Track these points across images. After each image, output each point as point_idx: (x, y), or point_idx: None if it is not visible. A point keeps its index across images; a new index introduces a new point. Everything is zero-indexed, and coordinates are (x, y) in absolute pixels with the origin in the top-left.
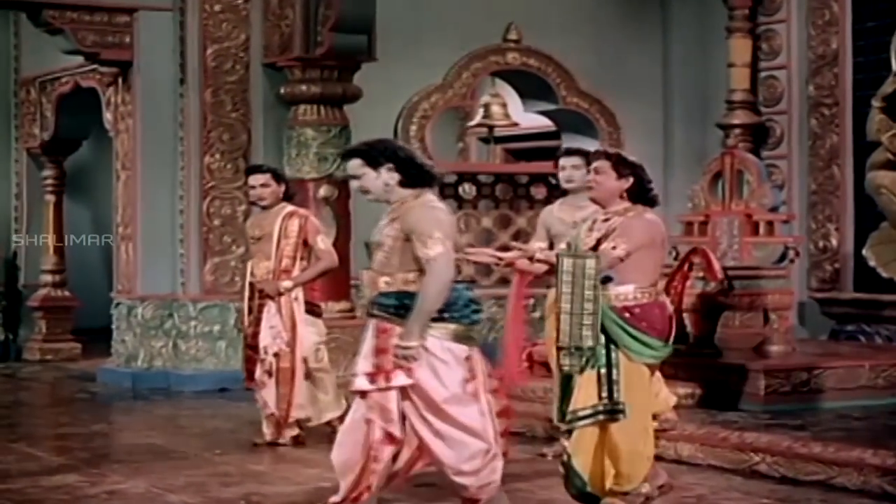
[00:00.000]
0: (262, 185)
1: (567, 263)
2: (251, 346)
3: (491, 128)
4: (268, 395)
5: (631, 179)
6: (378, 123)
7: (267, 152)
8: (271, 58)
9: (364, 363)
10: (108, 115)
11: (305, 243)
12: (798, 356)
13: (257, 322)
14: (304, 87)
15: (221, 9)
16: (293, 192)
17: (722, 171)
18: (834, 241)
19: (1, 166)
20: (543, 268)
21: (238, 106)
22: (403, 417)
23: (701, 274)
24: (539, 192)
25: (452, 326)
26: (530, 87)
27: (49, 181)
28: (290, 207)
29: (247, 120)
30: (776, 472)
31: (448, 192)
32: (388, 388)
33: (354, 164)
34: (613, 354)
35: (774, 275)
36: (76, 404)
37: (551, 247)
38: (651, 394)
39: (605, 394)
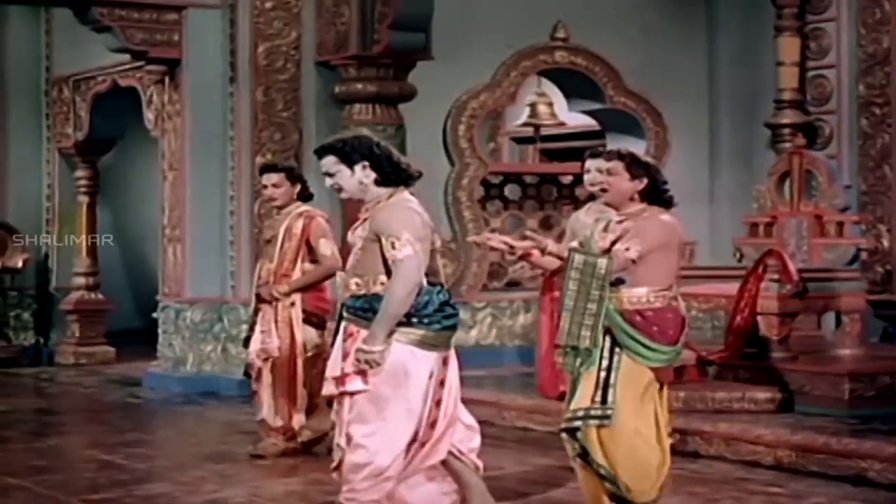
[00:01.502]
0: (274, 185)
1: (578, 260)
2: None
3: (537, 127)
4: (260, 402)
5: (645, 180)
6: (427, 123)
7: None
8: (325, 56)
9: (334, 367)
10: (149, 115)
11: (310, 246)
12: (874, 360)
13: (252, 326)
14: (359, 86)
15: (273, 6)
16: (311, 193)
17: (790, 171)
18: (885, 243)
19: (31, 167)
20: (555, 262)
21: (289, 105)
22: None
23: (776, 276)
24: (584, 192)
25: (420, 332)
26: (576, 86)
27: (82, 182)
28: (302, 208)
29: (298, 119)
30: (885, 478)
31: (494, 192)
32: (343, 394)
33: (329, 162)
34: (616, 357)
35: (847, 277)
36: (130, 410)
37: None
38: (652, 398)
39: (598, 398)
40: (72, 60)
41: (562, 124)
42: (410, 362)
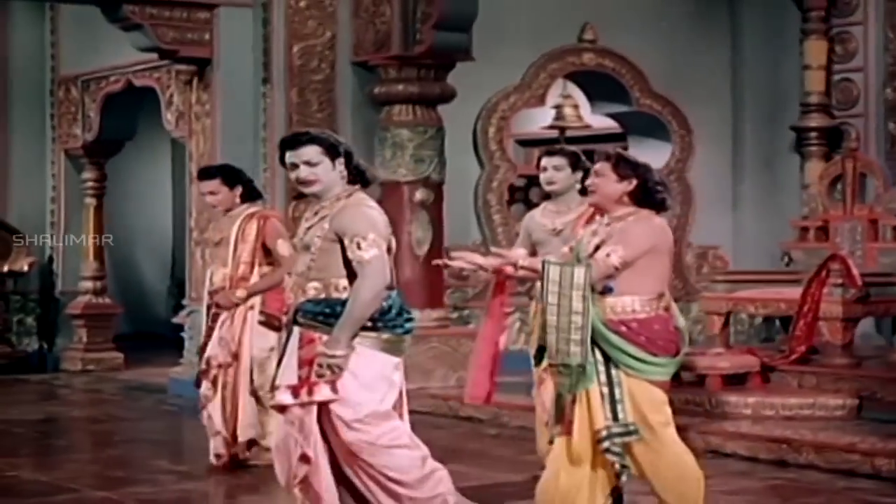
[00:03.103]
0: (210, 193)
1: (553, 272)
2: (201, 360)
3: (563, 130)
4: (213, 410)
5: (634, 182)
6: (457, 124)
7: (356, 153)
8: (362, 56)
9: (288, 375)
10: (168, 116)
11: (266, 248)
12: None
13: (209, 332)
14: (400, 87)
15: (307, 5)
16: (259, 192)
17: (843, 175)
18: None
19: (35, 168)
20: (530, 276)
21: (324, 106)
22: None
23: (839, 281)
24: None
25: (385, 336)
26: (601, 88)
27: (89, 184)
28: (252, 209)
29: (333, 120)
30: None
31: (518, 196)
32: (311, 403)
33: (313, 151)
34: (613, 372)
35: None
36: (170, 417)
37: (533, 254)
38: (667, 409)
39: (608, 414)
40: (79, 60)
41: (587, 127)
42: (378, 366)
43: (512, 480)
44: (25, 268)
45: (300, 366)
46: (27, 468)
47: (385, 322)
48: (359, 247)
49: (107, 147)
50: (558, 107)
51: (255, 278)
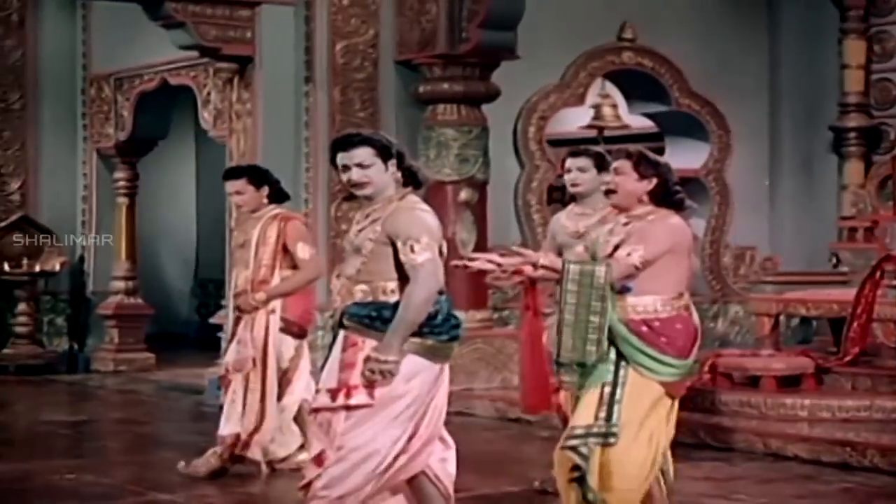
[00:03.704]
0: (237, 192)
1: (574, 271)
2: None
3: (601, 129)
4: (227, 415)
5: (654, 181)
6: (497, 124)
7: (408, 155)
8: (406, 54)
9: (329, 378)
10: (205, 114)
11: (287, 251)
12: None
13: (232, 336)
14: (445, 86)
15: (350, 3)
16: (286, 194)
17: (892, 174)
18: None
19: (66, 167)
20: (550, 276)
21: (367, 105)
22: None
23: (895, 283)
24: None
25: (429, 342)
26: (639, 88)
27: (122, 183)
28: (276, 210)
29: (376, 119)
30: None
31: (557, 196)
32: (348, 407)
33: (365, 153)
34: (622, 371)
35: None
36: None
37: (559, 256)
38: (660, 418)
39: (602, 414)
40: (112, 58)
41: (626, 127)
42: (415, 372)
43: None
44: (57, 267)
45: (341, 369)
46: (86, 470)
47: (431, 328)
48: (412, 250)
49: (139, 146)
50: (597, 106)
51: (275, 281)
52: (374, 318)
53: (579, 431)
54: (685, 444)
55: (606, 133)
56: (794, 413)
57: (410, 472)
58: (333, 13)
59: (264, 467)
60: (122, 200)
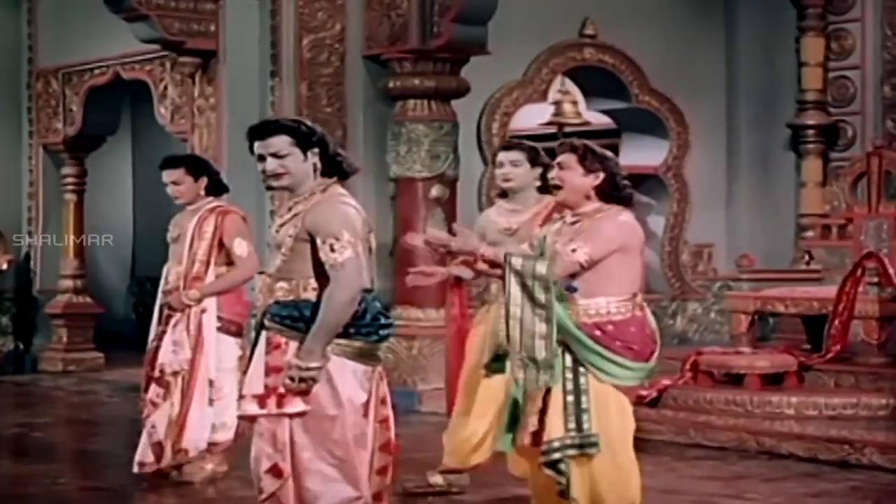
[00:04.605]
0: (174, 182)
1: (516, 263)
2: (150, 363)
3: (561, 126)
4: (159, 419)
5: (601, 175)
6: (462, 119)
7: (367, 149)
8: (375, 49)
9: (254, 383)
10: (161, 109)
11: (223, 246)
12: None
13: (161, 336)
14: (416, 81)
15: None
16: (225, 186)
17: (867, 172)
18: None
19: (11, 164)
20: (490, 272)
21: (333, 100)
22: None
23: (875, 280)
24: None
25: (357, 343)
26: (598, 84)
27: (69, 179)
28: (213, 203)
29: (342, 115)
30: None
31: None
32: (281, 415)
33: (281, 142)
34: (582, 379)
35: None
36: None
37: None
38: (631, 422)
39: (572, 425)
40: (59, 52)
41: (587, 123)
42: (346, 377)
43: None
44: (4, 266)
45: (266, 373)
46: (70, 475)
47: (357, 328)
48: (332, 248)
49: (88, 142)
50: (557, 103)
51: (210, 278)
52: (296, 318)
53: (555, 444)
54: (677, 444)
55: (566, 130)
56: (781, 411)
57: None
58: (300, 7)
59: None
60: (70, 197)
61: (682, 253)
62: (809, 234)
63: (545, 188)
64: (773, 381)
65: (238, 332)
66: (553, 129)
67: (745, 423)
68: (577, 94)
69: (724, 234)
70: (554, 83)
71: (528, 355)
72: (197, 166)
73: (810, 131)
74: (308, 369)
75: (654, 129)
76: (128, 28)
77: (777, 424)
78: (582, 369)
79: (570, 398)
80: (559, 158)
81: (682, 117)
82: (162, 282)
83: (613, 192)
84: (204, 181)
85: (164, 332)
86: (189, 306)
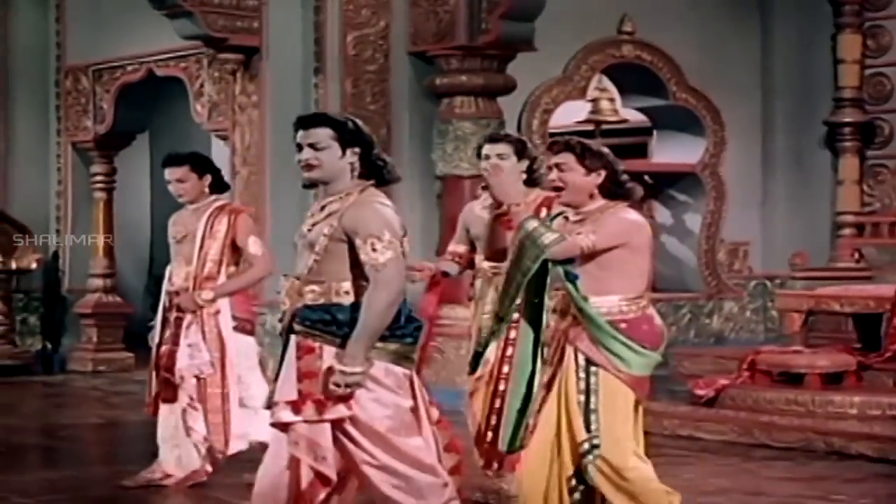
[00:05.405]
0: (178, 180)
1: (530, 225)
2: (167, 368)
3: (598, 123)
4: (194, 421)
5: (602, 173)
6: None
7: (412, 146)
8: (421, 46)
9: (286, 389)
10: (197, 107)
11: (236, 246)
12: None
13: (175, 339)
14: (463, 78)
15: None
16: (227, 184)
17: None
18: None
19: (38, 161)
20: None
21: (377, 97)
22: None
23: None
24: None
25: (393, 346)
26: (635, 81)
27: (99, 178)
28: (221, 202)
29: (386, 112)
30: None
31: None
32: (322, 421)
33: (322, 134)
34: (593, 378)
35: None
36: None
37: (473, 249)
38: (633, 421)
39: (583, 424)
40: (89, 49)
41: (624, 121)
42: (388, 381)
43: None
44: (33, 265)
45: (299, 378)
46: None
47: (392, 331)
48: (373, 248)
49: (119, 139)
50: (595, 100)
51: (222, 279)
52: (329, 321)
53: (585, 447)
54: (740, 444)
55: (604, 127)
56: (844, 411)
57: None
58: (344, 3)
59: None
60: (100, 195)
61: (718, 251)
62: (846, 231)
63: (532, 181)
64: (832, 380)
65: (252, 331)
66: (590, 127)
67: (812, 424)
68: (614, 91)
69: (759, 233)
70: (593, 80)
71: (495, 310)
72: (201, 164)
73: (846, 129)
74: (353, 374)
75: (690, 127)
76: (160, 25)
77: (841, 424)
78: (594, 368)
79: (582, 398)
80: (556, 159)
81: (719, 115)
82: (165, 283)
83: (616, 188)
84: (208, 179)
85: (176, 335)
86: (202, 307)
